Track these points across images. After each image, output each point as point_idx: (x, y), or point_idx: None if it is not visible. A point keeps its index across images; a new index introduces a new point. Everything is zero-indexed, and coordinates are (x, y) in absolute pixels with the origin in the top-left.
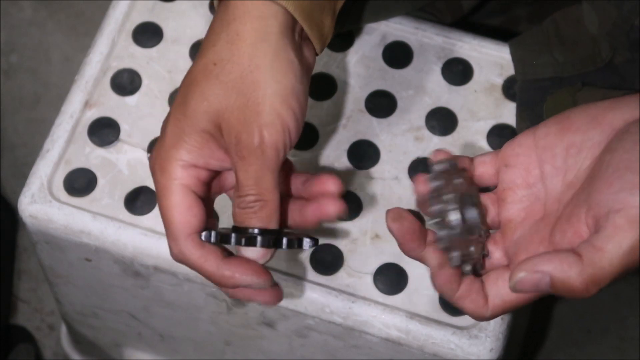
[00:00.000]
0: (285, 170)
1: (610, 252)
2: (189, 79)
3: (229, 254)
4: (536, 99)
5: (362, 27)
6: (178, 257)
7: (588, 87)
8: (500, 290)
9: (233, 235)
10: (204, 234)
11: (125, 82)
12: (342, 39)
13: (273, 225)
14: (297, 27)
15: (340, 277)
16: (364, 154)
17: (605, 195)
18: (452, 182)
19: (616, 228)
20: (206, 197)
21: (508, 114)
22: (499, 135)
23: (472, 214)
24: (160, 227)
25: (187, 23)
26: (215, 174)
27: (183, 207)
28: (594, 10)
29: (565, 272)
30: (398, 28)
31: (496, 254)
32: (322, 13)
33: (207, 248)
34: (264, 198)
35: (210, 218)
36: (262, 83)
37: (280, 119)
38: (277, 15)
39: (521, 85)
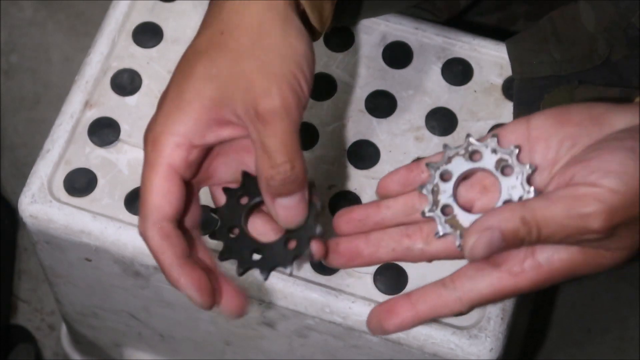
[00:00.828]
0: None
1: (555, 210)
2: (193, 50)
3: (202, 250)
4: (533, 97)
5: (362, 27)
6: (141, 234)
7: (585, 85)
8: (477, 284)
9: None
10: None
11: (126, 82)
12: (342, 39)
13: (305, 189)
14: (298, 9)
15: (340, 277)
16: (364, 154)
17: (580, 170)
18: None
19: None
20: (191, 179)
21: (508, 114)
22: None
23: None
24: None
25: (187, 23)
26: (205, 155)
27: (162, 191)
28: (591, 8)
29: (510, 220)
30: (398, 28)
31: None
32: None
33: (171, 241)
34: (295, 164)
35: (195, 204)
36: (276, 47)
37: (297, 81)
38: None
39: (518, 84)
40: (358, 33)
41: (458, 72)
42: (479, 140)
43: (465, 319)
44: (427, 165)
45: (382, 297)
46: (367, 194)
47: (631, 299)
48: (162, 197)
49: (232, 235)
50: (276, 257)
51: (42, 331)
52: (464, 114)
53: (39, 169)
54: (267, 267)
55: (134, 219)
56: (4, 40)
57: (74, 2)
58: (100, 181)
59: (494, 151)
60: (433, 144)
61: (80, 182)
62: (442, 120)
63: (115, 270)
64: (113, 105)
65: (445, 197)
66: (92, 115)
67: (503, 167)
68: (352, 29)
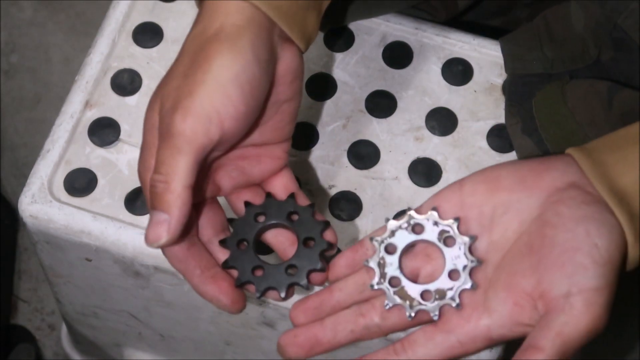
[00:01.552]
0: (213, 175)
1: (571, 335)
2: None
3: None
4: (525, 94)
5: (362, 27)
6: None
7: (575, 80)
8: (428, 351)
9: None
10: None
11: (126, 82)
12: (342, 39)
13: (172, 213)
14: (277, 27)
15: None
16: (364, 154)
17: (558, 277)
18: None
19: (575, 312)
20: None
21: None
22: (499, 136)
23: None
24: None
25: (187, 23)
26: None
27: (193, 172)
28: (581, 8)
29: None
30: (398, 28)
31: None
32: (306, 11)
33: (194, 250)
34: (170, 184)
35: (214, 211)
36: (205, 66)
37: (208, 108)
38: (254, 16)
39: (510, 80)
40: (358, 33)
41: (458, 72)
42: (419, 213)
43: None
44: (372, 239)
45: None
46: (367, 194)
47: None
48: (192, 174)
49: (240, 248)
50: (274, 279)
51: (42, 331)
52: (464, 114)
53: (39, 169)
54: (262, 287)
55: (134, 219)
56: (4, 40)
57: (74, 2)
58: (101, 181)
59: (435, 224)
60: (433, 144)
61: (81, 182)
62: (442, 120)
63: (115, 270)
64: (113, 105)
65: (392, 270)
66: (92, 115)
67: (445, 239)
68: (352, 29)
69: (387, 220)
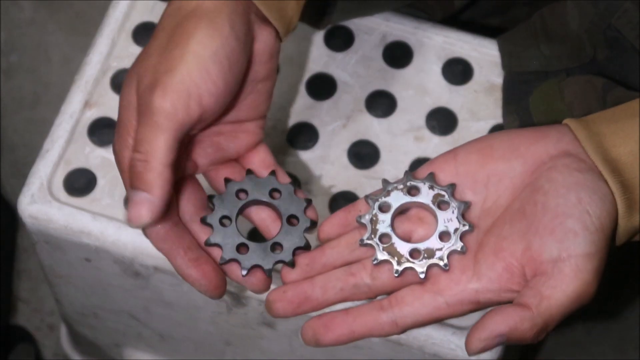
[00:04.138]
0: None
1: (558, 299)
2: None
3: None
4: (522, 93)
5: (362, 27)
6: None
7: (572, 77)
8: (415, 310)
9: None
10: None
11: None
12: (342, 39)
13: (154, 192)
14: (254, 6)
15: None
16: (364, 154)
17: (548, 242)
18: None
19: (564, 277)
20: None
21: None
22: None
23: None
24: None
25: None
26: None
27: (173, 149)
28: (576, 7)
29: (519, 328)
30: (398, 28)
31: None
32: None
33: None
34: (150, 162)
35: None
36: (183, 43)
37: (188, 84)
38: None
39: (507, 78)
40: (358, 33)
41: (458, 72)
42: (415, 177)
43: (466, 319)
44: (367, 197)
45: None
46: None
47: (631, 299)
48: (171, 153)
49: (222, 225)
50: (259, 257)
51: (42, 331)
52: (464, 113)
53: (38, 169)
54: (248, 264)
55: None
56: (4, 40)
57: (74, 2)
58: (100, 181)
59: (431, 187)
60: (433, 144)
61: (80, 182)
62: (442, 120)
63: (115, 271)
64: (113, 105)
65: (383, 227)
66: (92, 115)
67: (440, 203)
68: (352, 29)
69: (384, 181)
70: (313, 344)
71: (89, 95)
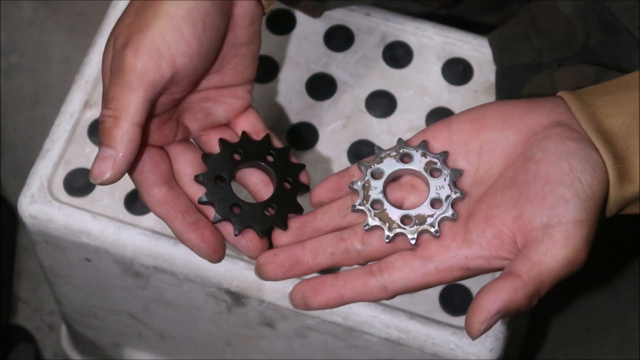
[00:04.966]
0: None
1: (548, 265)
2: None
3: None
4: (514, 86)
5: (362, 27)
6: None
7: (563, 67)
8: (404, 276)
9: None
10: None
11: None
12: (342, 39)
13: (118, 148)
14: None
15: None
16: (364, 154)
17: (539, 209)
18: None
19: (553, 242)
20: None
21: None
22: None
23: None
24: (161, 227)
25: None
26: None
27: (144, 108)
28: None
29: (513, 299)
30: (398, 28)
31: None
32: None
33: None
34: (117, 116)
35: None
36: (156, 3)
37: (160, 43)
38: None
39: (499, 72)
40: (358, 33)
41: (458, 72)
42: (408, 145)
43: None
44: (359, 164)
45: None
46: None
47: (631, 299)
48: (143, 111)
49: (216, 184)
50: (253, 218)
51: (42, 331)
52: None
53: (38, 169)
54: (241, 224)
55: (134, 219)
56: (4, 40)
57: (74, 2)
58: None
59: (424, 155)
60: None
61: (80, 182)
62: None
63: (115, 270)
64: None
65: (375, 193)
66: (91, 115)
67: (432, 170)
68: (352, 29)
69: (378, 148)
70: (302, 307)
71: (89, 95)
